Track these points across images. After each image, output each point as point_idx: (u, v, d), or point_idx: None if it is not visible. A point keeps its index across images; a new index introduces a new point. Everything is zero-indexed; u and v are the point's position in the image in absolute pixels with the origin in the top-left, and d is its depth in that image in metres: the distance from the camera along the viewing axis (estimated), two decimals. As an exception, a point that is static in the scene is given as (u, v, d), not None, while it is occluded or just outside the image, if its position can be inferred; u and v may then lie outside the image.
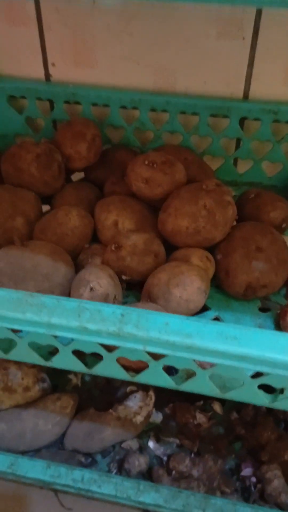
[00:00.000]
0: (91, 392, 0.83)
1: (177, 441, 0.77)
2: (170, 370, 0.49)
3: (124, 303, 0.57)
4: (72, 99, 0.74)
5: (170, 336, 0.38)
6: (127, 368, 0.48)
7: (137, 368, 0.48)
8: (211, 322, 0.39)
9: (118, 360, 0.47)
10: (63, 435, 0.76)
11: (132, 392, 0.80)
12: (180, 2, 0.32)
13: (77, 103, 0.74)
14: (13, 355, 0.50)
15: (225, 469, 0.73)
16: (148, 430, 0.78)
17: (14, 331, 0.47)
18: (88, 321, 0.39)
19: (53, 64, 0.74)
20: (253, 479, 0.72)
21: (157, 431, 0.79)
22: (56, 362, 0.49)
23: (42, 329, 0.42)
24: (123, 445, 0.76)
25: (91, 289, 0.50)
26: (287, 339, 0.37)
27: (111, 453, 0.76)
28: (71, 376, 0.85)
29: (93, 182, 0.72)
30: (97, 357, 0.49)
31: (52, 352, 0.51)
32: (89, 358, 0.51)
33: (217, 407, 0.81)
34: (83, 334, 0.41)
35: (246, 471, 0.72)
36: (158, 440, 0.78)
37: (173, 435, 0.78)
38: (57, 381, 0.82)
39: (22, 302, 0.40)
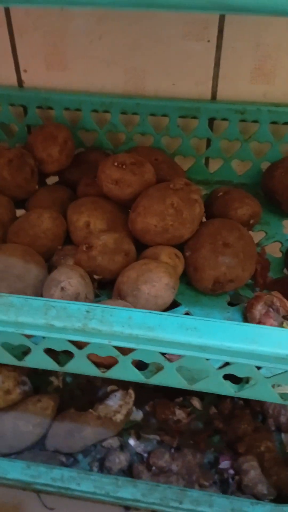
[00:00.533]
0: (72, 393, 0.84)
1: (157, 437, 0.79)
2: (140, 365, 0.50)
3: (97, 302, 0.58)
4: (44, 104, 0.75)
5: (133, 329, 0.39)
6: (98, 364, 0.49)
7: (107, 364, 0.49)
8: (172, 315, 0.40)
9: (88, 357, 0.48)
10: (45, 436, 0.76)
11: (112, 391, 0.82)
12: (143, 9, 0.33)
13: (50, 108, 0.76)
14: (-14, 355, 0.50)
15: (204, 462, 0.75)
16: (129, 428, 0.79)
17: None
18: (54, 318, 0.41)
19: (25, 71, 0.75)
20: (231, 471, 0.73)
21: (137, 429, 0.80)
22: (29, 361, 0.50)
23: (11, 328, 0.43)
24: (104, 443, 0.77)
25: (62, 288, 0.51)
26: (244, 328, 0.39)
27: (92, 452, 0.77)
28: (53, 378, 0.86)
29: (67, 185, 0.73)
30: (70, 355, 0.50)
31: (25, 352, 0.52)
32: (62, 356, 0.52)
33: (196, 402, 0.82)
34: (51, 331, 0.42)
35: (224, 463, 0.74)
36: (138, 438, 0.79)
37: (153, 432, 0.79)
38: (39, 383, 0.83)
39: (-11, 302, 0.41)
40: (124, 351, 0.46)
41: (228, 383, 0.47)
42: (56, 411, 0.78)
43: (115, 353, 0.46)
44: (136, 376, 0.48)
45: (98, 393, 0.83)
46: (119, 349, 0.45)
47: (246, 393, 0.47)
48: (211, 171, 0.78)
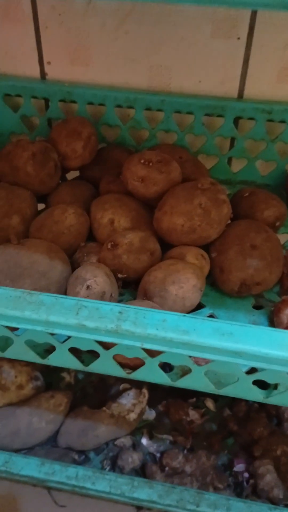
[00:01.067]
0: (84, 390, 0.84)
1: (170, 437, 0.78)
2: (165, 367, 0.49)
3: (120, 301, 0.58)
4: (67, 97, 0.74)
5: (168, 332, 0.39)
6: (123, 365, 0.49)
7: (133, 365, 0.49)
8: (207, 319, 0.40)
9: (114, 357, 0.48)
10: (57, 432, 0.76)
11: (125, 389, 0.81)
12: (175, 3, 0.32)
13: (73, 101, 0.74)
14: (10, 353, 0.50)
15: (218, 465, 0.74)
16: (142, 427, 0.79)
17: (11, 329, 0.47)
18: (86, 319, 0.40)
19: (48, 63, 0.74)
20: (246, 475, 0.72)
21: (150, 428, 0.79)
22: (53, 360, 0.50)
23: (40, 327, 0.42)
24: (116, 442, 0.77)
25: (88, 287, 0.50)
26: (281, 335, 0.38)
27: (104, 450, 0.76)
28: (65, 374, 0.85)
29: (88, 181, 0.72)
30: (94, 354, 0.49)
31: (48, 350, 0.52)
32: (85, 355, 0.52)
33: (209, 404, 0.81)
34: (81, 331, 0.42)
35: (239, 466, 0.73)
36: (151, 437, 0.78)
37: (166, 432, 0.79)
38: (51, 379, 0.83)
39: (21, 300, 0.40)
40: (152, 353, 0.45)
41: (256, 389, 0.46)
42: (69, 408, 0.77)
43: (143, 355, 0.45)
44: (163, 378, 0.48)
45: (111, 391, 0.83)
46: (147, 351, 0.45)
47: (275, 399, 0.46)
48: (234, 171, 0.77)
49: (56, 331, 0.42)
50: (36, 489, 0.75)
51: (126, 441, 0.77)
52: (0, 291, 0.41)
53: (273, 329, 0.39)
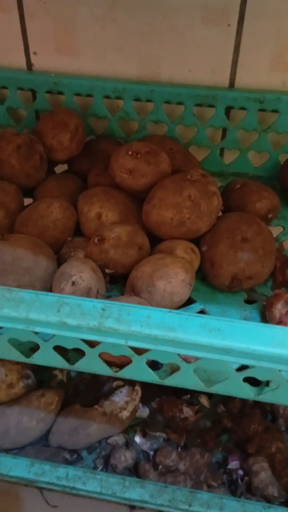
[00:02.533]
0: (77, 388, 0.82)
1: (164, 435, 0.77)
2: (155, 365, 0.48)
3: (108, 296, 0.56)
4: (54, 88, 0.72)
5: (152, 329, 0.37)
6: (110, 363, 0.47)
7: (120, 363, 0.47)
8: (194, 315, 0.38)
9: (100, 356, 0.46)
10: (48, 432, 0.75)
11: (118, 387, 0.80)
12: None
13: (60, 93, 0.73)
14: (-7, 351, 0.48)
15: (212, 462, 0.73)
16: (135, 425, 0.77)
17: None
18: (68, 316, 0.38)
19: (34, 53, 0.72)
20: (240, 472, 0.71)
21: (143, 426, 0.78)
22: (37, 359, 0.48)
23: (20, 325, 0.40)
24: (109, 440, 0.75)
25: (73, 283, 0.49)
26: (271, 330, 0.37)
27: (97, 449, 0.75)
28: (57, 372, 0.84)
29: (76, 174, 0.70)
30: (80, 353, 0.48)
31: (33, 348, 0.50)
32: (71, 353, 0.50)
33: (204, 400, 0.80)
34: (63, 329, 0.40)
35: (233, 464, 0.72)
36: (144, 435, 0.77)
37: (159, 429, 0.77)
38: (42, 377, 0.81)
39: (-1, 297, 0.39)
40: (139, 350, 0.43)
41: (247, 386, 0.45)
42: (61, 406, 0.76)
43: (129, 352, 0.44)
44: (151, 376, 0.46)
45: (103, 388, 0.81)
46: (133, 348, 0.43)
47: (267, 397, 0.44)
48: (226, 162, 0.75)
49: (37, 329, 0.40)
50: (28, 489, 0.74)
51: (119, 439, 0.76)
52: (-22, 288, 0.39)
53: (262, 324, 0.37)
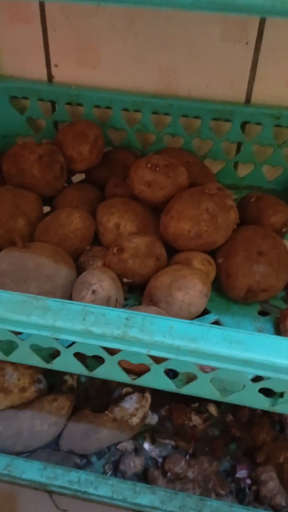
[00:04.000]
0: (87, 393, 0.83)
1: (173, 442, 0.78)
2: (168, 373, 0.49)
3: (125, 305, 0.57)
4: (74, 100, 0.74)
5: (175, 340, 0.38)
6: (128, 371, 0.48)
7: (138, 371, 0.48)
8: (215, 327, 0.39)
9: (119, 363, 0.47)
10: (59, 436, 0.76)
11: (128, 393, 0.81)
12: (182, 9, 0.32)
13: (80, 104, 0.74)
14: (14, 357, 0.49)
15: (220, 470, 0.74)
16: (144, 432, 0.78)
17: (16, 333, 0.47)
18: (93, 325, 0.39)
19: (55, 65, 0.74)
20: (248, 481, 0.72)
21: (152, 433, 0.79)
22: (57, 365, 0.49)
23: (46, 332, 0.41)
24: (118, 446, 0.76)
25: (93, 291, 0.50)
26: (291, 344, 0.38)
27: (106, 454, 0.76)
28: (67, 377, 0.85)
29: (94, 184, 0.72)
30: (98, 359, 0.49)
31: (52, 354, 0.51)
32: (89, 360, 0.51)
33: (212, 409, 0.81)
34: (88, 337, 0.41)
35: (241, 472, 0.73)
36: (153, 442, 0.78)
37: (168, 436, 0.78)
38: (53, 381, 0.82)
39: (27, 305, 0.40)
40: (158, 359, 0.45)
41: (262, 397, 0.46)
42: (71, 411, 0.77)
43: (148, 361, 0.45)
44: (168, 385, 0.47)
45: (113, 394, 0.82)
46: (152, 357, 0.44)
47: (281, 408, 0.46)
48: (240, 175, 0.76)
49: (62, 336, 0.42)
50: (37, 493, 0.75)
51: (128, 445, 0.77)
52: (6, 295, 0.41)
53: (281, 337, 0.38)
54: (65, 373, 0.85)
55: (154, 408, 0.80)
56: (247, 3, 0.24)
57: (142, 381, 0.48)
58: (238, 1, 0.24)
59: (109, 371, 0.48)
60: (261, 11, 0.25)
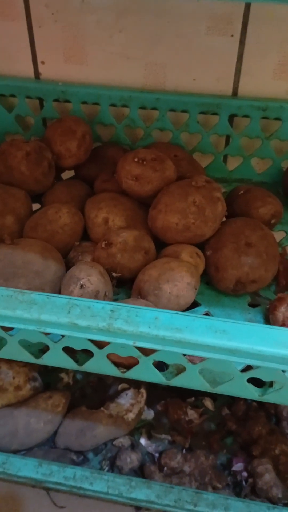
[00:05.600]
0: (83, 390, 0.83)
1: (169, 437, 0.78)
2: (161, 366, 0.49)
3: (115, 300, 0.57)
4: (62, 97, 0.74)
5: (160, 330, 0.38)
6: (117, 364, 0.48)
7: (127, 364, 0.48)
8: (200, 316, 0.39)
9: (108, 357, 0.47)
10: (55, 433, 0.76)
11: (123, 389, 0.81)
12: None
13: (67, 101, 0.74)
14: (4, 353, 0.49)
15: (217, 464, 0.74)
16: (140, 427, 0.78)
17: (5, 329, 0.47)
18: (78, 317, 0.39)
19: (42, 62, 0.74)
20: (245, 474, 0.72)
21: (149, 428, 0.79)
22: (47, 360, 0.49)
23: (32, 326, 0.42)
24: (115, 442, 0.76)
25: (82, 286, 0.50)
26: (275, 332, 0.38)
27: (103, 450, 0.76)
28: (63, 375, 0.85)
29: (83, 180, 0.72)
30: (88, 354, 0.49)
31: (42, 350, 0.51)
32: (80, 355, 0.51)
33: (208, 403, 0.81)
34: (73, 330, 0.41)
35: (238, 466, 0.73)
36: (150, 437, 0.78)
37: (165, 431, 0.78)
38: (49, 379, 0.82)
39: (12, 299, 0.40)
40: (146, 351, 0.45)
41: (251, 387, 0.46)
42: (67, 408, 0.77)
43: (137, 353, 0.45)
44: (157, 377, 0.47)
45: (109, 391, 0.82)
46: (140, 349, 0.44)
47: (271, 397, 0.46)
48: (229, 168, 0.76)
49: (48, 330, 0.42)
50: (34, 490, 0.75)
51: (125, 441, 0.77)
52: (-8, 290, 0.41)
53: (267, 326, 0.39)
54: (60, 371, 0.85)
55: (150, 403, 0.80)
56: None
57: (131, 374, 0.48)
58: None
59: (98, 364, 0.48)
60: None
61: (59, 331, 0.42)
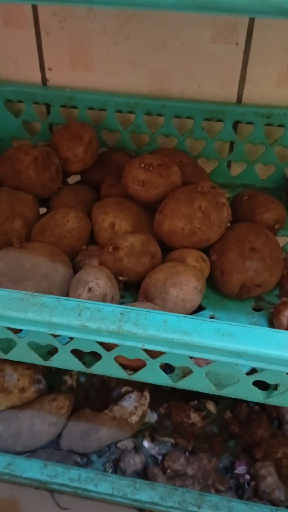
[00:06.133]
0: (86, 393, 0.84)
1: (172, 440, 0.78)
2: (166, 369, 0.50)
3: (121, 303, 0.58)
4: (68, 103, 0.75)
5: (169, 333, 0.39)
6: (125, 366, 0.49)
7: (135, 366, 0.49)
8: (208, 320, 0.40)
9: (116, 359, 0.48)
10: (59, 435, 0.76)
11: (127, 392, 0.81)
12: (173, 11, 0.32)
13: (74, 107, 0.75)
14: (13, 355, 0.50)
15: (220, 467, 0.74)
16: (143, 430, 0.79)
17: (14, 331, 0.48)
18: (89, 320, 0.40)
19: (49, 69, 0.75)
20: (247, 477, 0.73)
21: (152, 431, 0.80)
22: (55, 362, 0.50)
23: (43, 328, 0.42)
24: (118, 445, 0.77)
25: (90, 289, 0.51)
26: (281, 335, 0.39)
27: (106, 453, 0.76)
28: (66, 377, 0.86)
29: (89, 184, 0.73)
30: (96, 356, 0.50)
31: (51, 352, 0.52)
32: (87, 357, 0.52)
33: (211, 406, 0.82)
34: (84, 332, 0.42)
35: (240, 468, 0.73)
36: (153, 440, 0.79)
37: (168, 434, 0.79)
38: (53, 382, 0.83)
39: (24, 302, 0.41)
40: (153, 354, 0.46)
41: (256, 390, 0.47)
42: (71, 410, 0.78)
43: (144, 356, 0.46)
44: (164, 380, 0.48)
45: (112, 393, 0.83)
46: (148, 352, 0.45)
47: (275, 400, 0.46)
48: (233, 174, 0.77)
49: (59, 332, 0.43)
50: (38, 492, 0.76)
51: (128, 443, 0.77)
52: (3, 293, 0.42)
53: (273, 329, 0.39)
54: (64, 373, 0.85)
55: (153, 406, 0.81)
56: (229, 3, 0.25)
57: (138, 376, 0.49)
58: (221, 1, 0.25)
59: (106, 367, 0.49)
60: (242, 10, 0.26)
61: (70, 333, 0.43)
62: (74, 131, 0.68)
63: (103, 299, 0.52)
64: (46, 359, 0.51)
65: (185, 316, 0.40)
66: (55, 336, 0.47)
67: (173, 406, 0.81)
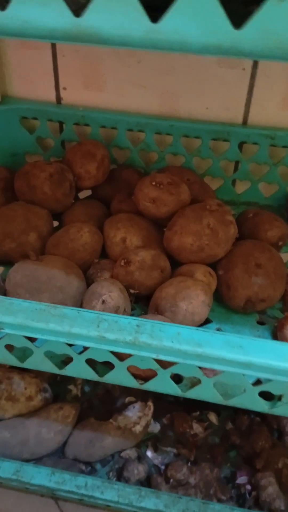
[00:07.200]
0: (90, 402, 0.86)
1: (175, 450, 0.80)
2: (176, 379, 0.52)
3: (132, 315, 0.60)
4: (81, 121, 0.78)
5: (182, 345, 0.42)
6: (136, 376, 0.51)
7: (145, 376, 0.51)
8: (218, 332, 0.43)
9: (128, 369, 0.50)
10: (64, 444, 0.78)
11: (130, 402, 0.83)
12: (200, 55, 0.35)
13: (86, 125, 0.78)
14: (29, 363, 0.52)
15: (221, 477, 0.76)
16: (146, 440, 0.81)
17: (32, 340, 0.50)
18: (107, 331, 0.43)
19: (64, 88, 0.79)
20: (248, 487, 0.74)
21: (155, 441, 0.81)
22: (70, 371, 0.52)
23: (63, 338, 0.45)
24: (122, 454, 0.79)
25: (103, 301, 0.53)
26: (287, 348, 0.41)
27: (110, 462, 0.78)
28: (71, 387, 0.87)
29: (100, 200, 0.75)
30: (108, 366, 0.52)
31: (64, 361, 0.54)
32: (99, 366, 0.54)
33: (212, 417, 0.84)
34: (101, 343, 0.44)
35: (241, 479, 0.75)
36: (156, 450, 0.80)
37: (170, 444, 0.81)
38: (58, 391, 0.85)
39: (45, 313, 0.43)
40: (164, 364, 0.48)
41: (262, 400, 0.49)
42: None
43: (155, 366, 0.48)
44: (174, 389, 0.50)
45: (116, 403, 0.85)
46: (159, 362, 0.47)
47: (279, 410, 0.49)
48: (238, 192, 0.80)
49: (78, 342, 0.45)
50: (43, 500, 0.77)
51: (132, 453, 0.79)
52: (26, 304, 0.44)
53: (279, 342, 0.42)
54: (69, 383, 0.87)
55: (156, 416, 0.83)
56: (249, 49, 0.28)
57: (149, 385, 0.51)
58: (241, 47, 0.28)
59: (118, 376, 0.51)
60: (261, 55, 0.29)
61: (88, 344, 0.45)
62: (87, 149, 0.71)
63: (116, 311, 0.54)
64: (60, 368, 0.53)
65: (197, 329, 0.43)
66: (70, 345, 0.49)
67: (176, 417, 0.83)
